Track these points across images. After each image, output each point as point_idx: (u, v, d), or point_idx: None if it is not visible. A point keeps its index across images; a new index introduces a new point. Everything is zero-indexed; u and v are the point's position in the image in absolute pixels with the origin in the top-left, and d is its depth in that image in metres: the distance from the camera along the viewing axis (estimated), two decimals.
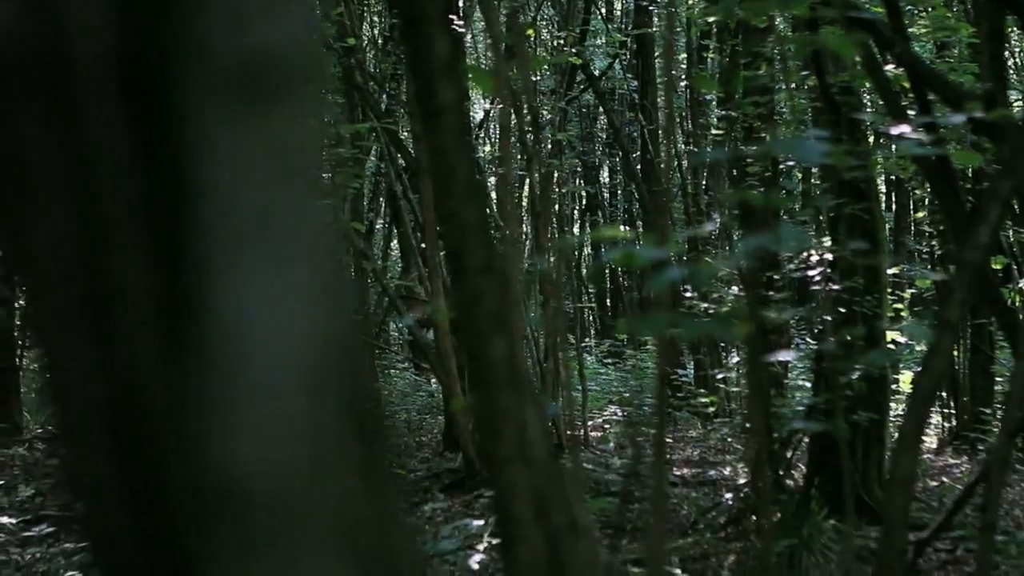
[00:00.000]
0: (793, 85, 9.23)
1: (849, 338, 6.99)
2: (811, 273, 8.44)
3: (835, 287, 7.95)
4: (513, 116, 8.11)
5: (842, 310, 7.91)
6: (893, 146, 7.48)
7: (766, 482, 3.65)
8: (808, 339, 12.53)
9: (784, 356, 7.88)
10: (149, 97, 1.07)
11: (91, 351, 1.10)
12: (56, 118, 1.08)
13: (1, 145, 1.10)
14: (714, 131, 14.65)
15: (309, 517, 1.08)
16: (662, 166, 14.85)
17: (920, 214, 16.48)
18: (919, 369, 3.55)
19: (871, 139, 9.67)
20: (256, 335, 1.06)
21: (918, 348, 11.80)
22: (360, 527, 1.12)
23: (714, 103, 17.27)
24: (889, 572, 3.38)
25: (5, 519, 8.43)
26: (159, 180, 1.07)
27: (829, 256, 8.07)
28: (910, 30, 8.17)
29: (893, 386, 9.91)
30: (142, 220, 1.07)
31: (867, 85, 8.43)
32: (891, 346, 8.38)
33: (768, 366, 7.46)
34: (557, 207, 19.97)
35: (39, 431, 13.14)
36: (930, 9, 9.73)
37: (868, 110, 8.93)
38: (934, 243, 14.64)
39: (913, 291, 12.77)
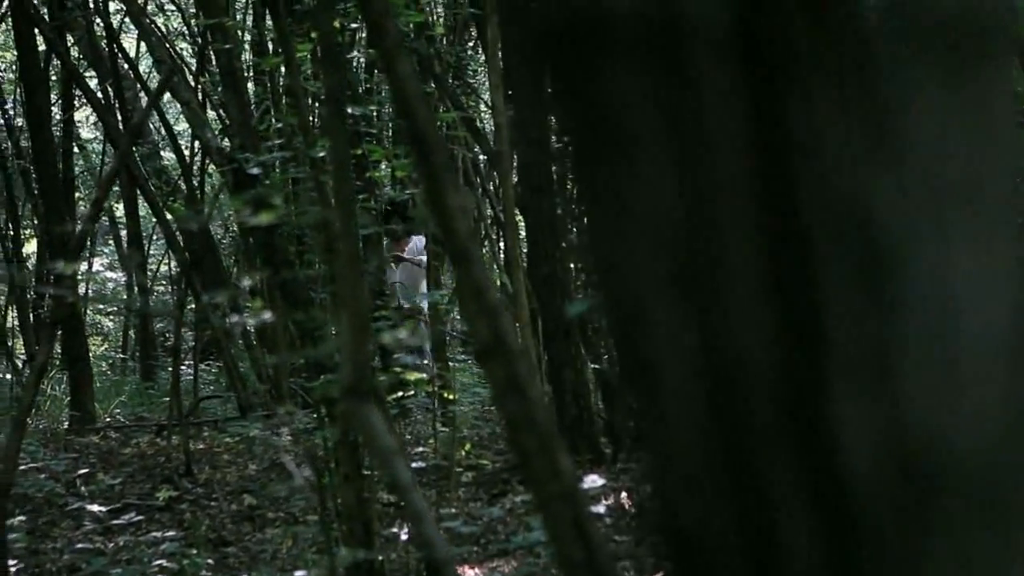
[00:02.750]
0: None
1: None
2: None
3: None
4: None
5: None
6: None
7: None
8: None
9: None
10: (764, 71, 1.04)
11: (690, 331, 1.08)
12: (665, 84, 1.05)
13: (610, 111, 1.08)
14: None
15: (1013, 494, 1.07)
16: None
17: None
18: None
19: None
20: (962, 308, 1.03)
21: None
22: None
23: None
24: None
25: (95, 507, 8.47)
26: (777, 149, 1.04)
27: None
28: None
29: None
30: (749, 195, 1.05)
31: None
32: None
33: None
34: None
35: (108, 420, 13.22)
36: None
37: None
38: None
39: None
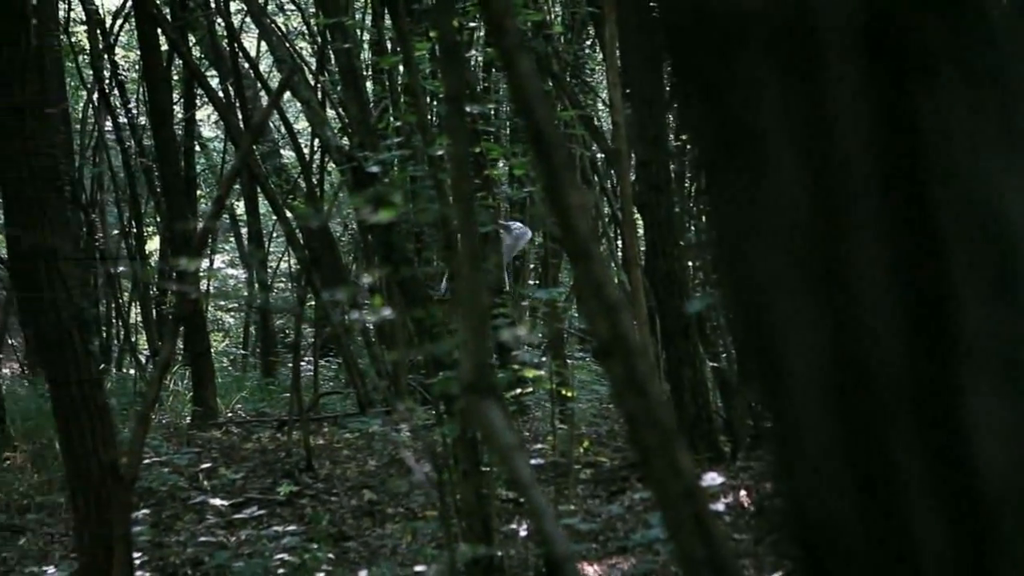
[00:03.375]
0: None
1: None
2: None
3: None
4: None
5: None
6: None
7: None
8: None
9: None
10: (895, 71, 1.05)
11: (819, 329, 1.08)
12: (796, 82, 1.06)
13: (740, 109, 1.08)
14: None
15: None
16: None
17: None
18: None
19: None
20: None
21: None
22: None
23: None
24: None
25: (217, 501, 8.58)
26: (908, 147, 1.04)
27: None
28: None
29: None
30: (879, 193, 1.05)
31: None
32: None
33: None
34: None
35: (229, 415, 13.36)
36: None
37: None
38: None
39: None
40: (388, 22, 10.88)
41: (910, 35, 1.03)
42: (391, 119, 10.38)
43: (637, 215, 9.03)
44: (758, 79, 1.06)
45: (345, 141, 9.37)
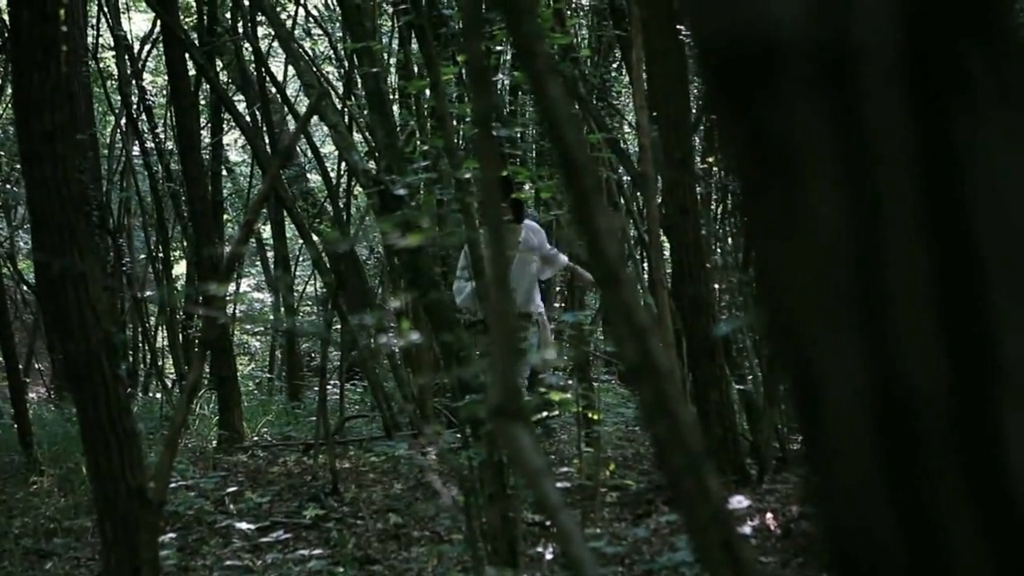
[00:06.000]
0: None
1: None
2: None
3: None
4: None
5: None
6: None
7: None
8: None
9: None
10: (933, 95, 1.05)
11: (857, 355, 1.08)
12: (833, 110, 1.07)
13: (777, 138, 1.09)
14: None
15: None
16: None
17: None
18: None
19: None
20: None
21: None
22: None
23: None
24: None
25: (244, 525, 8.58)
26: (947, 175, 1.05)
27: None
28: None
29: None
30: (918, 219, 1.06)
31: None
32: None
33: None
34: None
35: (256, 439, 13.39)
36: None
37: None
38: None
39: None
40: (415, 47, 10.93)
41: (948, 58, 1.04)
42: (418, 143, 10.42)
43: (663, 237, 9.04)
44: (796, 104, 1.07)
45: (372, 165, 9.40)
